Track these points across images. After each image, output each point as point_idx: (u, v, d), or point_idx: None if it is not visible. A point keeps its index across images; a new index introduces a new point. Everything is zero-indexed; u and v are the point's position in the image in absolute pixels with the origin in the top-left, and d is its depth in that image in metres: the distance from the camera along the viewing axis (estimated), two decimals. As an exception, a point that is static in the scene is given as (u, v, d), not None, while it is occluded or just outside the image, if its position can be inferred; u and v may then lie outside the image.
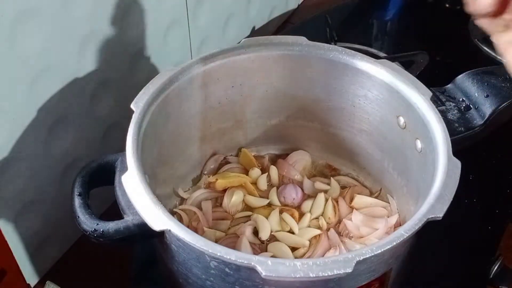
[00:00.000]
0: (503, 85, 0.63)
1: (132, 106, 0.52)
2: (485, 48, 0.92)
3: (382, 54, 0.89)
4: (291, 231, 0.61)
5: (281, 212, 0.62)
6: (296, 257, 0.58)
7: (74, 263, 0.67)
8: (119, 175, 0.50)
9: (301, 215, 0.63)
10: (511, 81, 0.64)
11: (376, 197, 0.65)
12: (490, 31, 0.44)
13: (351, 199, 0.64)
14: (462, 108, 0.62)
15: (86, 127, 0.64)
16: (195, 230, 0.60)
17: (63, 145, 0.61)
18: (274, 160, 0.70)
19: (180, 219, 0.61)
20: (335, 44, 0.83)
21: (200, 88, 0.60)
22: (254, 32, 0.95)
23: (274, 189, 0.65)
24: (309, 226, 0.62)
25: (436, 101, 0.62)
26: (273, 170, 0.67)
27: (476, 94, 0.63)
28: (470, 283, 0.63)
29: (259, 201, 0.64)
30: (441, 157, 0.49)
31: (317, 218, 0.62)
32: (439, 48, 0.90)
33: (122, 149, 0.49)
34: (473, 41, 0.93)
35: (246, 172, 0.67)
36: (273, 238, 0.60)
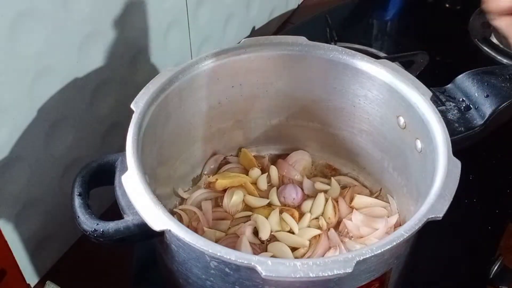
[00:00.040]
0: (503, 85, 0.63)
1: (132, 106, 0.52)
2: (485, 48, 0.92)
3: (382, 54, 0.89)
4: (291, 231, 0.61)
5: (281, 212, 0.62)
6: (296, 257, 0.58)
7: (74, 263, 0.67)
8: (119, 175, 0.50)
9: (301, 215, 0.63)
10: (511, 81, 0.64)
11: (376, 197, 0.65)
12: (509, 33, 0.42)
13: (351, 199, 0.64)
14: (462, 108, 0.62)
15: (86, 127, 0.64)
16: (195, 230, 0.60)
17: (63, 145, 0.61)
18: (274, 160, 0.70)
19: (180, 219, 0.61)
20: (335, 44, 0.83)
21: (200, 88, 0.60)
22: (254, 32, 0.95)
23: (274, 189, 0.65)
24: (309, 226, 0.62)
25: (436, 101, 0.62)
26: (273, 170, 0.67)
27: (476, 94, 0.62)
28: (470, 283, 0.63)
29: (259, 201, 0.64)
30: (441, 157, 0.49)
31: (317, 218, 0.62)
32: (439, 48, 0.90)
33: (122, 149, 0.49)
34: (473, 41, 0.93)
35: (246, 172, 0.67)
36: (273, 238, 0.60)
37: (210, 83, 0.60)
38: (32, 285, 0.64)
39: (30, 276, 0.63)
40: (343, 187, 0.66)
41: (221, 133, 0.66)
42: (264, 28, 0.98)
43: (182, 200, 0.64)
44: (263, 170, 0.68)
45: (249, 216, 0.62)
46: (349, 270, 0.40)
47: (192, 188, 0.66)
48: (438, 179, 0.47)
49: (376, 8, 1.06)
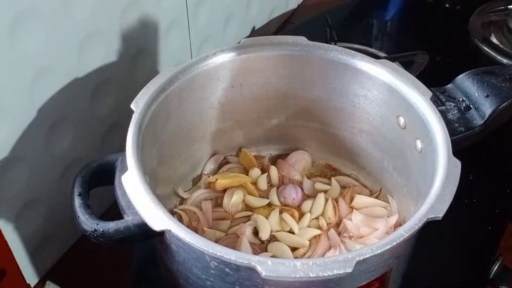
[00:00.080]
0: (503, 85, 0.63)
1: (132, 106, 0.52)
2: (485, 48, 0.92)
3: (382, 54, 0.89)
4: (291, 231, 0.61)
5: (281, 212, 0.62)
6: (296, 257, 0.58)
7: (74, 263, 0.67)
8: (119, 175, 0.50)
9: (301, 215, 0.63)
10: (511, 81, 0.64)
11: (376, 197, 0.65)
12: None
13: (351, 199, 0.64)
14: (462, 108, 0.62)
15: (86, 127, 0.64)
16: (195, 230, 0.60)
17: (63, 145, 0.61)
18: (274, 160, 0.70)
19: (180, 219, 0.61)
20: (335, 44, 0.83)
21: (200, 88, 0.60)
22: (254, 32, 0.95)
23: (274, 189, 0.65)
24: (309, 226, 0.62)
25: (436, 101, 0.62)
26: (273, 170, 0.67)
27: (476, 94, 0.63)
28: (470, 283, 0.63)
29: (259, 201, 0.64)
30: (441, 157, 0.49)
31: (317, 218, 0.62)
32: (439, 48, 0.90)
33: (122, 149, 0.49)
34: (473, 41, 0.93)
35: (246, 172, 0.67)
36: (273, 238, 0.60)
37: (210, 83, 0.60)
38: (32, 285, 0.64)
39: (30, 276, 0.63)
40: (343, 187, 0.66)
41: (221, 133, 0.66)
42: (264, 28, 0.98)
43: (182, 200, 0.64)
44: (263, 170, 0.68)
45: (249, 216, 0.62)
46: (349, 270, 0.40)
47: (192, 188, 0.66)
48: (438, 179, 0.47)
49: (376, 8, 1.06)
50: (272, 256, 0.57)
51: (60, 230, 0.65)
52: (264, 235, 0.60)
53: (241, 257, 0.41)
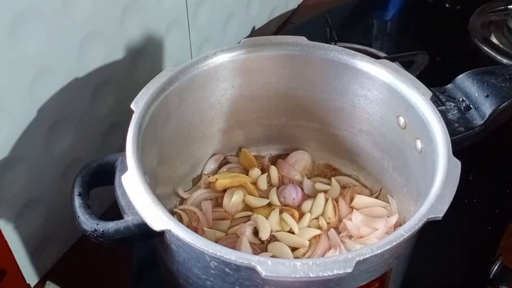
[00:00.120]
0: (503, 85, 0.63)
1: (132, 106, 0.52)
2: (485, 48, 0.92)
3: (382, 54, 0.89)
4: (291, 231, 0.61)
5: (281, 212, 0.62)
6: (296, 257, 0.58)
7: (74, 263, 0.67)
8: (119, 175, 0.50)
9: (301, 215, 0.63)
10: (511, 81, 0.64)
11: (376, 197, 0.65)
12: None
13: (351, 199, 0.64)
14: (462, 108, 0.62)
15: (86, 127, 0.64)
16: (195, 230, 0.60)
17: (63, 145, 0.61)
18: (274, 160, 0.70)
19: (180, 219, 0.61)
20: (335, 44, 0.83)
21: (200, 88, 0.60)
22: (254, 32, 0.95)
23: (274, 189, 0.65)
24: (309, 226, 0.62)
25: (436, 101, 0.62)
26: (273, 170, 0.67)
27: (476, 94, 0.63)
28: (470, 283, 0.63)
29: (259, 201, 0.64)
30: (441, 157, 0.49)
31: (317, 218, 0.62)
32: (439, 48, 0.90)
33: (122, 149, 0.49)
34: (473, 41, 0.93)
35: (246, 172, 0.67)
36: (273, 238, 0.60)
37: (210, 83, 0.60)
38: (32, 285, 0.64)
39: (30, 276, 0.63)
40: (343, 187, 0.66)
41: (221, 133, 0.66)
42: (264, 28, 0.98)
43: (182, 200, 0.64)
44: (263, 170, 0.68)
45: (249, 216, 0.62)
46: (349, 270, 0.40)
47: (192, 188, 0.66)
48: (438, 179, 0.47)
49: (376, 8, 1.06)
50: (272, 256, 0.57)
51: (60, 230, 0.65)
52: (264, 235, 0.60)
53: (241, 257, 0.41)
